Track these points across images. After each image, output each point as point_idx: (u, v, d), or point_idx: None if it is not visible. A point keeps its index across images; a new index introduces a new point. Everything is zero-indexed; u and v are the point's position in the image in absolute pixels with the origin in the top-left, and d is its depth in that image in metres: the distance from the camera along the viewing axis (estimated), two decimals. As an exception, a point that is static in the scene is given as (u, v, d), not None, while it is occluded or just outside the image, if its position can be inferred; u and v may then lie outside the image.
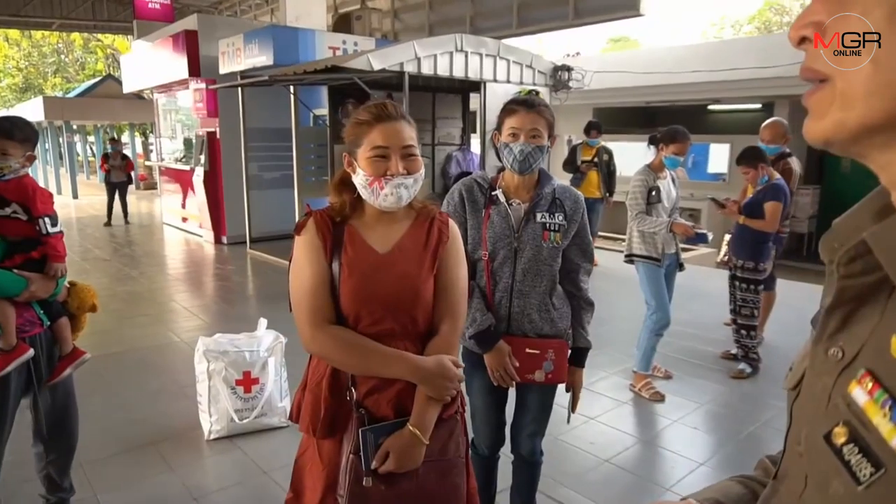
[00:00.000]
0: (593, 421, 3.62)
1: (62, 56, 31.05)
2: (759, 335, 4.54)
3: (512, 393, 2.23)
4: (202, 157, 9.57)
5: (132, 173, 12.55)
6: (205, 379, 3.28)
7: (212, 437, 3.31)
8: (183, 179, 10.76)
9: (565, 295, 2.15)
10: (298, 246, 1.52)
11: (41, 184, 2.34)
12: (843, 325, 0.57)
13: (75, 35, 27.78)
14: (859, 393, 0.51)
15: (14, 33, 27.56)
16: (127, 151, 22.29)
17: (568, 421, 2.29)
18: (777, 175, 4.26)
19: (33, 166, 2.35)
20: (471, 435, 2.13)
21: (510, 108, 2.05)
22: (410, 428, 1.44)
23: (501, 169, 2.14)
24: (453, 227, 1.63)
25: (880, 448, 0.49)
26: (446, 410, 1.52)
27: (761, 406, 3.90)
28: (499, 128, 2.08)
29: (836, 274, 0.56)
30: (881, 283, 0.54)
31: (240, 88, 8.36)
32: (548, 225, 2.06)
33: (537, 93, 2.10)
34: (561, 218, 2.08)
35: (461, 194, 2.10)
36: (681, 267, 4.11)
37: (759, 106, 13.59)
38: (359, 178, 1.49)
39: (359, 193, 1.53)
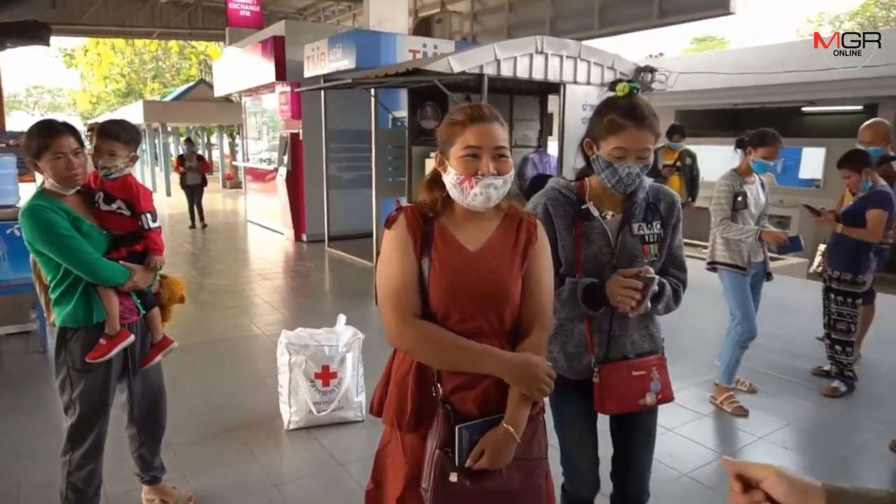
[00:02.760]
0: (671, 432, 3.50)
1: (160, 62, 33.10)
2: (856, 352, 4.25)
3: (604, 429, 2.03)
4: (285, 158, 9.96)
5: (207, 175, 12.16)
6: (286, 371, 3.41)
7: (291, 427, 3.43)
8: (266, 179, 11.22)
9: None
10: (388, 240, 1.54)
11: (142, 182, 2.50)
12: None
13: (173, 42, 29.58)
14: None
15: (119, 42, 29.63)
16: (215, 152, 23.52)
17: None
18: (882, 181, 3.98)
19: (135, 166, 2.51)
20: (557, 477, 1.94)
21: (617, 121, 1.74)
22: (505, 426, 1.45)
23: (583, 174, 1.94)
24: (541, 228, 1.63)
25: None
26: (531, 410, 1.53)
27: (857, 428, 3.65)
28: (594, 138, 1.82)
29: None
30: None
31: (322, 91, 8.63)
32: (646, 237, 1.87)
33: (637, 89, 1.80)
34: (658, 226, 1.88)
35: (547, 209, 1.86)
36: (768, 277, 3.90)
37: (860, 108, 12.73)
38: (449, 177, 1.51)
39: (448, 192, 1.55)
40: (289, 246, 9.96)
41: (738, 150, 3.90)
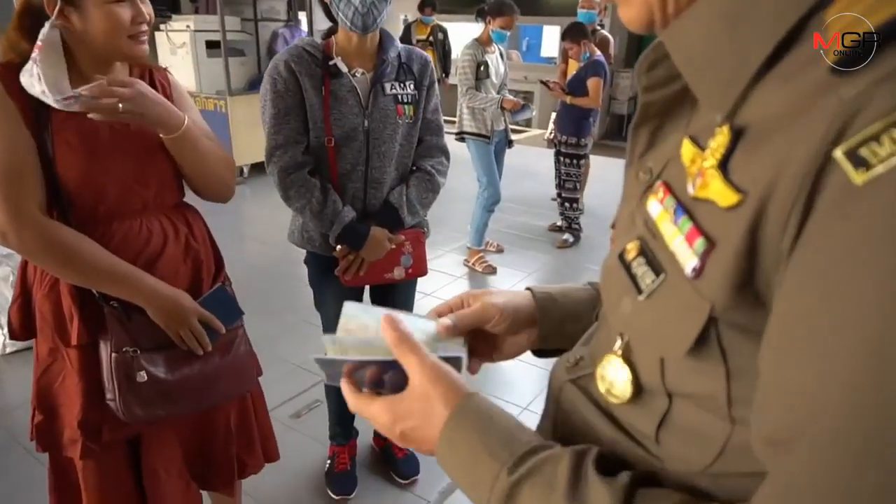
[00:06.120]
0: (429, 297, 3.72)
1: None
2: (581, 204, 4.86)
3: (367, 298, 2.09)
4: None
5: None
6: (-11, 288, 2.85)
7: (7, 350, 2.95)
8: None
9: (414, 174, 1.90)
10: None
11: None
12: (650, 144, 0.54)
13: None
14: (654, 205, 0.49)
15: None
16: None
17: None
18: (598, 52, 4.41)
19: None
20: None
21: None
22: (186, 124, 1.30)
23: (329, 33, 1.81)
24: (174, 78, 1.46)
25: (662, 253, 0.47)
26: (216, 280, 1.46)
27: (582, 270, 4.26)
28: None
29: (640, 87, 0.52)
30: (685, 93, 0.50)
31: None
32: (400, 97, 1.78)
33: None
34: (412, 86, 1.81)
35: (290, 66, 1.69)
36: (509, 144, 4.20)
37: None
38: (100, 23, 1.19)
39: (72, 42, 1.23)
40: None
41: (479, 20, 3.99)
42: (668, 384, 0.49)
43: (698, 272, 0.43)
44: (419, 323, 0.66)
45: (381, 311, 0.64)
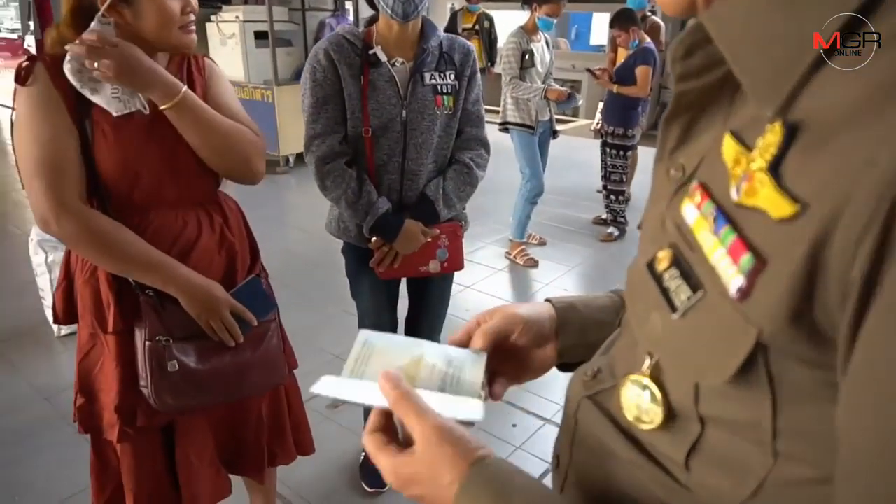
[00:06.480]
0: (469, 289, 3.69)
1: None
2: (628, 192, 4.74)
3: (403, 290, 2.09)
4: (31, 24, 8.21)
5: None
6: (45, 272, 2.97)
7: (63, 332, 3.06)
8: (18, 52, 9.28)
9: (452, 166, 1.86)
10: (27, 100, 1.22)
11: None
12: (683, 139, 0.48)
13: None
14: (689, 210, 0.43)
15: None
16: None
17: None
18: (647, 39, 4.26)
19: None
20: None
21: None
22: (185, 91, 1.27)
23: (371, 21, 1.79)
24: (210, 63, 1.45)
25: (701, 267, 0.41)
26: (251, 271, 1.46)
27: (626, 264, 4.12)
28: None
29: (674, 75, 0.47)
30: (724, 82, 0.44)
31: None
32: (439, 87, 1.75)
33: None
34: (452, 77, 1.77)
35: (329, 55, 1.68)
36: (554, 134, 4.11)
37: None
38: (152, 17, 1.23)
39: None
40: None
41: (525, 8, 3.90)
42: (702, 409, 0.44)
43: (745, 293, 0.37)
44: (439, 354, 0.62)
45: (397, 340, 0.63)
